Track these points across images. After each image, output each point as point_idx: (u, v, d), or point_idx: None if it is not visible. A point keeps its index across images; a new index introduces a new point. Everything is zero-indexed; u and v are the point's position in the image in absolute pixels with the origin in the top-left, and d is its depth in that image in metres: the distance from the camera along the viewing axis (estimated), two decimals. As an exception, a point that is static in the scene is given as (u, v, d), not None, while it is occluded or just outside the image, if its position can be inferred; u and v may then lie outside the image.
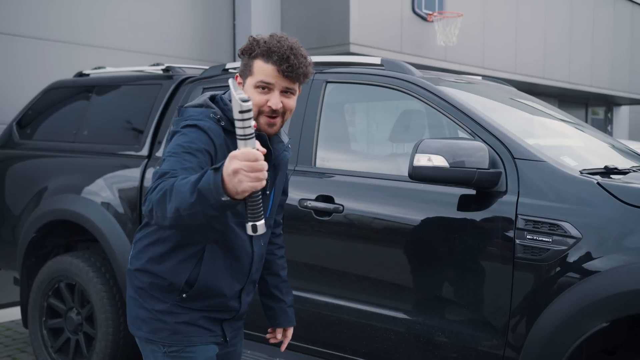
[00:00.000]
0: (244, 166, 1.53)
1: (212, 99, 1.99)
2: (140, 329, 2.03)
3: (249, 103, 1.53)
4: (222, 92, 2.03)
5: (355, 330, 2.88)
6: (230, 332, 2.12)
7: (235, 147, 1.64)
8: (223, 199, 1.56)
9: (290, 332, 2.37)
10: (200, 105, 1.97)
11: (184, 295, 1.98)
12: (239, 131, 1.54)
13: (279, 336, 2.36)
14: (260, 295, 2.34)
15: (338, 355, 2.96)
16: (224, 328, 2.09)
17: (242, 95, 1.54)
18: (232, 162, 1.54)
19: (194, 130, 1.86)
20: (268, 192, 2.07)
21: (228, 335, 2.11)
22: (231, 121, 1.83)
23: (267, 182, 1.89)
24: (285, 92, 1.93)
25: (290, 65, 1.88)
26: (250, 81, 1.92)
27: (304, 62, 1.92)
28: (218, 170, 1.58)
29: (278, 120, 1.95)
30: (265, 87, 1.91)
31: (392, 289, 2.81)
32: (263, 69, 1.90)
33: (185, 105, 2.01)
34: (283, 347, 2.40)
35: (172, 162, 1.78)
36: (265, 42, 1.91)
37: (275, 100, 1.91)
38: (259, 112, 1.91)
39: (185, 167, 1.77)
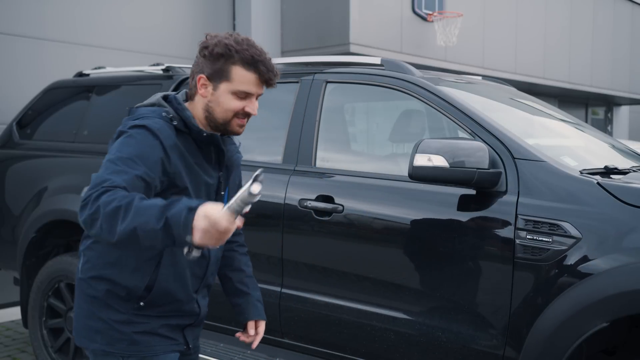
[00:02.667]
0: (216, 233, 1.54)
1: (165, 98, 1.97)
2: (95, 341, 1.93)
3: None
4: (176, 92, 2.02)
5: (355, 330, 2.88)
6: (192, 338, 2.08)
7: (187, 149, 1.84)
8: (186, 239, 1.56)
9: (262, 327, 2.24)
10: (152, 105, 1.94)
11: (141, 303, 1.92)
12: (237, 208, 1.54)
13: (251, 332, 2.22)
14: (227, 295, 2.26)
15: (338, 355, 2.96)
16: (186, 335, 2.04)
17: (259, 188, 1.54)
18: (208, 223, 1.53)
19: (141, 132, 1.81)
20: (222, 193, 2.05)
21: (190, 342, 2.06)
22: (184, 121, 1.88)
23: (220, 182, 1.98)
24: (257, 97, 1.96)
25: (275, 75, 1.92)
26: (226, 87, 1.89)
27: (277, 70, 1.94)
28: (192, 211, 1.55)
29: (246, 122, 1.97)
30: (245, 95, 1.91)
31: (392, 289, 2.81)
32: (245, 78, 1.88)
33: (137, 105, 1.96)
34: (255, 344, 2.25)
35: (115, 171, 1.71)
36: (244, 48, 1.87)
37: (254, 107, 1.94)
38: (233, 115, 1.92)
39: (131, 182, 1.70)
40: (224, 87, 1.90)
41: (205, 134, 1.91)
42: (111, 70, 4.58)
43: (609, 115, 16.56)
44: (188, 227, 1.54)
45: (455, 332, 2.63)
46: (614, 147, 3.44)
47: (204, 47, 1.92)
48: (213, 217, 1.52)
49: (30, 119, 4.54)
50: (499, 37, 10.74)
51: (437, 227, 2.72)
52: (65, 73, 5.27)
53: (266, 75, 1.89)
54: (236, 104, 1.91)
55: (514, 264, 2.48)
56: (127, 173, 1.71)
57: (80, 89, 4.46)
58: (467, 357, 2.60)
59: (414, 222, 2.78)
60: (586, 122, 14.51)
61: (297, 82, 3.33)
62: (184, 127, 1.90)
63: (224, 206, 1.57)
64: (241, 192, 1.54)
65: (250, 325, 2.22)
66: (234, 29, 8.05)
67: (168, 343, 1.98)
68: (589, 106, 15.86)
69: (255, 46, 1.91)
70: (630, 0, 14.78)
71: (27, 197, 4.17)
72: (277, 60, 3.88)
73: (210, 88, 1.91)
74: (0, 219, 4.39)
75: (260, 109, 2.05)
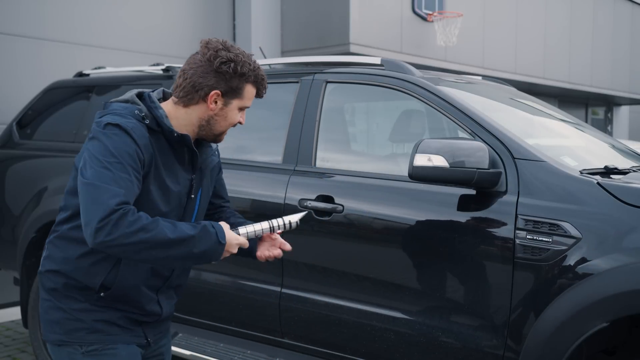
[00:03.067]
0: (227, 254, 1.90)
1: (139, 95, 1.95)
2: (54, 332, 1.93)
3: None
4: (151, 89, 2.01)
5: (355, 330, 2.88)
6: (152, 335, 2.06)
7: (157, 148, 1.87)
8: (213, 262, 1.88)
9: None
10: (125, 101, 1.92)
11: (101, 294, 1.91)
12: (254, 236, 1.97)
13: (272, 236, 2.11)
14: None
15: (338, 355, 2.96)
16: (145, 330, 2.03)
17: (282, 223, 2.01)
18: (234, 249, 1.90)
19: (117, 132, 1.80)
20: (193, 196, 2.03)
21: (150, 337, 2.05)
22: (156, 120, 1.89)
23: (192, 185, 1.99)
24: None
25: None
26: (237, 103, 1.95)
27: None
28: (222, 245, 1.84)
29: None
30: (245, 109, 2.00)
31: (392, 289, 2.81)
32: (252, 94, 1.97)
33: (111, 100, 1.95)
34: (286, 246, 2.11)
35: (112, 179, 1.73)
36: (256, 67, 1.93)
37: (244, 117, 2.02)
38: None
39: (130, 191, 1.76)
40: (236, 103, 1.94)
41: (176, 134, 1.90)
42: (111, 70, 4.58)
43: (609, 115, 16.56)
44: (219, 258, 1.86)
45: (455, 332, 2.63)
46: (614, 147, 3.44)
47: (223, 63, 1.88)
48: (234, 247, 1.89)
49: (30, 119, 4.54)
50: (499, 37, 10.74)
51: (437, 227, 2.72)
52: (65, 73, 5.27)
53: (263, 91, 1.99)
54: (238, 118, 1.98)
55: (514, 264, 2.48)
56: (122, 180, 1.75)
57: (80, 89, 4.46)
58: (467, 357, 2.60)
59: (414, 222, 2.78)
60: (586, 122, 14.51)
61: (297, 82, 3.33)
62: (156, 126, 1.89)
63: (194, 213, 1.97)
64: (264, 227, 1.93)
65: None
66: (234, 29, 8.05)
67: (128, 334, 1.97)
68: (589, 106, 15.86)
69: (256, 61, 1.96)
70: (630, 0, 14.78)
71: (27, 197, 4.17)
72: (277, 60, 3.89)
73: (220, 103, 1.92)
74: (0, 219, 4.39)
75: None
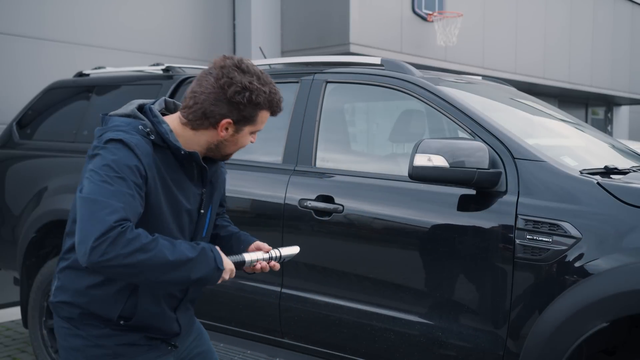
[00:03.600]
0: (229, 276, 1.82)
1: (140, 108, 1.86)
2: (76, 358, 1.84)
3: None
4: (152, 101, 1.91)
5: (355, 330, 2.88)
6: (180, 340, 2.03)
7: (164, 164, 1.78)
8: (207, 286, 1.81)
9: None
10: (127, 115, 1.81)
11: (121, 322, 1.84)
12: (250, 263, 1.93)
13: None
14: (221, 240, 2.15)
15: (338, 355, 2.96)
16: (170, 341, 1.99)
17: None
18: (227, 275, 1.80)
19: (119, 147, 1.70)
20: (203, 211, 1.96)
21: (179, 342, 2.02)
22: (161, 135, 1.80)
23: (202, 200, 1.92)
24: None
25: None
26: (249, 129, 1.87)
27: None
28: (219, 271, 1.75)
29: None
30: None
31: (392, 288, 2.81)
32: (265, 118, 1.88)
33: (110, 113, 1.85)
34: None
35: (112, 193, 1.63)
36: (272, 92, 1.84)
37: (255, 137, 1.94)
38: None
39: (130, 207, 1.65)
40: (247, 129, 1.86)
41: (183, 152, 1.82)
42: (111, 70, 4.58)
43: (609, 115, 16.56)
44: (216, 282, 1.76)
45: (455, 332, 2.63)
46: (614, 147, 3.44)
47: (237, 93, 1.77)
48: (227, 273, 1.80)
49: (30, 119, 4.54)
50: (499, 37, 10.74)
51: (437, 227, 2.71)
52: (65, 73, 5.27)
53: (278, 112, 1.90)
54: (249, 141, 1.92)
55: (514, 264, 2.48)
56: (122, 195, 1.64)
57: (80, 89, 4.46)
58: (467, 357, 2.60)
59: (414, 222, 2.77)
60: (586, 122, 14.51)
61: (297, 82, 3.33)
62: (162, 141, 1.80)
63: (204, 228, 1.97)
64: (263, 256, 1.94)
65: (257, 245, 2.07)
66: (234, 29, 8.05)
67: (152, 352, 1.92)
68: (589, 106, 15.86)
69: (273, 84, 1.86)
70: (630, 0, 14.78)
71: (27, 197, 4.17)
72: (277, 60, 3.89)
73: (231, 130, 1.84)
74: (0, 219, 4.40)
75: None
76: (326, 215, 2.96)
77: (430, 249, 2.72)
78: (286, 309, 3.08)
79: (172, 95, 3.83)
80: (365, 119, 4.30)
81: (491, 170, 2.52)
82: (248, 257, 1.91)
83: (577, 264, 2.35)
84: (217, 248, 1.79)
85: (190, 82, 3.75)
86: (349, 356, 2.92)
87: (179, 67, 4.11)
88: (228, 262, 1.80)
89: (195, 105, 1.80)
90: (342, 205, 2.93)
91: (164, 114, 1.91)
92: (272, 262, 1.98)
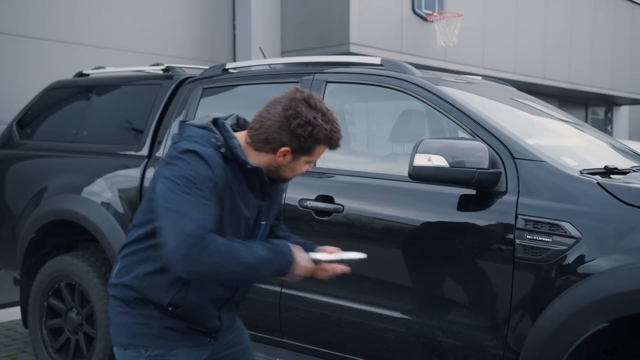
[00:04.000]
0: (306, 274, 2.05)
1: (214, 122, 2.01)
2: (122, 335, 2.02)
3: None
4: (225, 116, 2.05)
5: (355, 330, 2.88)
6: (221, 334, 2.16)
7: (232, 175, 1.94)
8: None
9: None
10: (202, 127, 1.97)
11: (169, 308, 2.00)
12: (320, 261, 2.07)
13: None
14: None
15: (338, 355, 2.96)
16: (212, 335, 2.13)
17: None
18: (302, 271, 2.03)
19: (194, 158, 1.86)
20: (263, 222, 2.11)
21: (220, 336, 2.15)
22: (230, 149, 1.95)
23: (261, 212, 2.13)
24: None
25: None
26: (306, 159, 2.01)
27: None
28: (291, 263, 1.97)
29: None
30: None
31: (392, 288, 2.81)
32: (322, 151, 2.02)
33: (188, 122, 2.03)
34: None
35: (194, 205, 1.81)
36: (333, 130, 1.97)
37: (311, 166, 2.10)
38: None
39: (205, 215, 1.83)
40: (304, 159, 2.00)
41: (250, 167, 1.97)
42: (111, 70, 4.58)
43: (609, 115, 16.56)
44: (287, 275, 1.99)
45: (455, 332, 2.63)
46: (614, 147, 3.44)
47: (300, 126, 1.92)
48: (308, 269, 2.04)
49: (30, 119, 4.54)
50: (499, 37, 10.74)
51: (437, 227, 2.72)
52: (65, 73, 5.27)
53: (335, 149, 2.04)
54: (304, 169, 2.06)
55: (514, 264, 2.48)
56: (202, 205, 1.82)
57: (80, 89, 4.46)
58: (467, 357, 2.60)
59: (414, 222, 2.77)
60: (586, 122, 14.50)
61: (297, 82, 3.33)
62: (231, 155, 1.95)
63: (259, 236, 2.09)
64: (331, 257, 2.07)
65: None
66: (234, 29, 8.05)
67: (192, 339, 2.06)
68: (589, 106, 15.86)
69: (336, 122, 2.00)
70: (631, 0, 14.78)
71: (27, 197, 4.17)
72: (277, 60, 3.89)
73: (289, 158, 1.98)
74: (0, 219, 4.40)
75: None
76: (326, 215, 2.96)
77: (430, 249, 2.72)
78: (286, 309, 3.08)
79: (171, 96, 3.83)
80: (365, 119, 4.30)
81: (491, 170, 2.52)
82: (318, 256, 2.06)
83: (577, 264, 2.35)
84: (294, 245, 2.02)
85: (190, 82, 3.78)
86: (349, 356, 2.92)
87: (179, 67, 4.11)
88: (304, 258, 2.01)
89: (260, 129, 1.95)
90: (342, 205, 2.93)
91: (234, 130, 2.05)
92: (341, 266, 2.13)
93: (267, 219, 2.13)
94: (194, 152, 1.87)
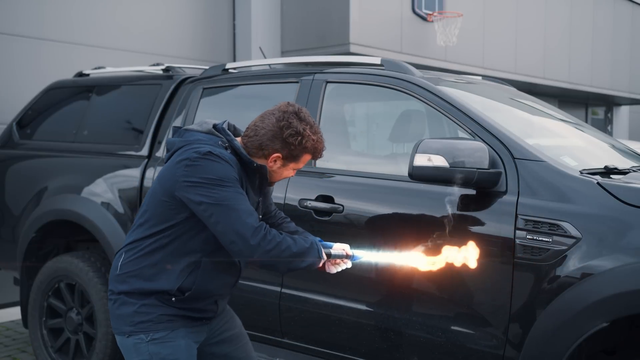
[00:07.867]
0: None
1: (215, 127, 2.19)
2: (123, 324, 2.15)
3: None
4: (221, 122, 2.24)
5: (355, 330, 2.88)
6: (217, 314, 2.34)
7: (246, 175, 2.17)
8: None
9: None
10: (207, 132, 2.17)
11: (173, 299, 2.14)
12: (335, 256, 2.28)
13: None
14: None
15: (338, 355, 2.96)
16: (204, 318, 2.28)
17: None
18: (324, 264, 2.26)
19: (217, 159, 2.05)
20: (260, 216, 2.29)
21: (213, 319, 2.32)
22: (235, 150, 2.16)
23: (259, 207, 2.31)
24: None
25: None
26: (293, 165, 2.25)
27: None
28: (320, 259, 2.21)
29: None
30: None
31: (392, 289, 2.81)
32: (306, 159, 2.26)
33: (186, 128, 2.20)
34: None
35: (237, 199, 2.05)
36: (319, 140, 2.22)
37: (295, 172, 2.33)
38: None
39: (253, 209, 2.11)
40: (291, 165, 2.25)
41: (255, 165, 2.18)
42: (111, 70, 4.58)
43: (609, 115, 16.56)
44: (315, 267, 2.22)
45: (455, 332, 2.63)
46: (614, 147, 3.44)
47: (291, 135, 2.15)
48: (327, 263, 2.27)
49: (30, 119, 4.54)
50: (499, 37, 10.74)
51: (437, 227, 2.71)
52: (65, 73, 5.27)
53: (318, 158, 2.30)
54: (290, 174, 2.29)
55: (514, 264, 2.48)
56: (245, 199, 2.08)
57: (80, 89, 4.46)
58: (467, 357, 2.60)
59: (414, 222, 2.77)
60: (586, 122, 14.50)
61: (297, 82, 3.33)
62: (235, 155, 2.16)
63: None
64: (344, 253, 2.28)
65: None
66: (234, 29, 8.05)
67: (189, 323, 2.19)
68: (589, 106, 15.86)
69: (321, 134, 2.24)
70: (631, 0, 14.78)
71: (27, 197, 4.17)
72: (277, 60, 3.89)
73: (279, 163, 2.22)
74: (0, 219, 4.40)
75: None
76: (326, 215, 2.96)
77: (430, 250, 2.72)
78: (286, 309, 3.08)
79: (171, 95, 3.83)
80: (366, 119, 4.30)
81: (491, 170, 2.52)
82: (332, 251, 2.26)
83: (577, 264, 2.35)
84: (320, 240, 2.25)
85: (190, 82, 3.78)
86: (349, 356, 2.92)
87: (179, 67, 4.11)
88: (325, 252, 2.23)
89: (255, 136, 2.18)
90: (342, 205, 2.93)
91: None
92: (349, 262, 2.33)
93: (261, 214, 2.35)
94: (216, 154, 2.05)
